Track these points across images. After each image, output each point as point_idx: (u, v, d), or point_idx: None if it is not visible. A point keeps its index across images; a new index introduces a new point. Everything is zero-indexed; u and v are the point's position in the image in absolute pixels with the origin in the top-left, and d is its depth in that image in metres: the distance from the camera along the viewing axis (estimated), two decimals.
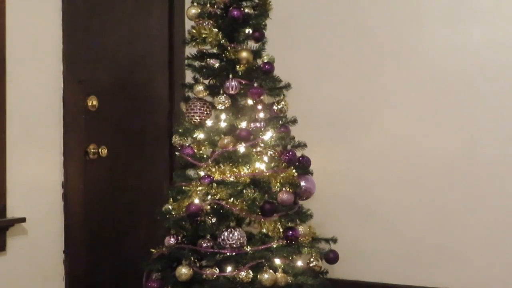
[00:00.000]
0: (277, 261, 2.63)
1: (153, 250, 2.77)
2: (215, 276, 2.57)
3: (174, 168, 3.21)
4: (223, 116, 2.80)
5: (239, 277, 2.56)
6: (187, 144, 2.81)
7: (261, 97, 2.78)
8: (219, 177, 2.65)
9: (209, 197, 2.59)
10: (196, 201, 2.58)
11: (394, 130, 3.49)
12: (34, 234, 2.73)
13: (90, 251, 3.01)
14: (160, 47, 3.58)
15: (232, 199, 2.61)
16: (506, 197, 3.22)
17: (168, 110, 3.58)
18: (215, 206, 2.60)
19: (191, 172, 2.79)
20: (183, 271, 2.58)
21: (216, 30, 2.76)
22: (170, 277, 2.65)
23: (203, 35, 2.74)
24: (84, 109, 2.98)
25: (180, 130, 2.84)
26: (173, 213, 2.68)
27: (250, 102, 2.80)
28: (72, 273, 2.90)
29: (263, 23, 2.85)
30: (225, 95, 2.76)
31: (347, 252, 3.08)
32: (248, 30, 2.83)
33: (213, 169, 2.68)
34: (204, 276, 2.58)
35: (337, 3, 3.64)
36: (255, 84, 2.78)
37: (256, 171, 2.67)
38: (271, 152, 2.74)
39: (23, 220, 2.64)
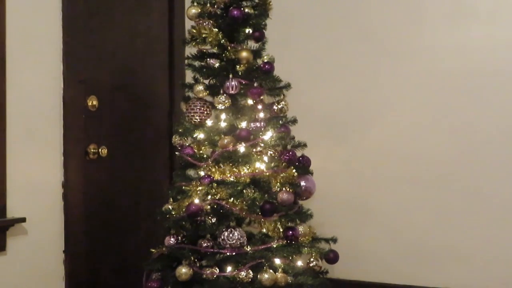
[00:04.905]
0: (277, 261, 2.63)
1: (153, 250, 2.77)
2: (215, 276, 2.57)
3: (174, 168, 3.21)
4: (223, 116, 2.80)
5: (239, 277, 2.56)
6: (187, 144, 2.81)
7: (261, 97, 2.78)
8: (219, 177, 2.64)
9: (209, 197, 2.59)
10: (196, 201, 2.57)
11: (394, 130, 3.49)
12: (34, 234, 2.73)
13: (90, 251, 3.01)
14: (160, 47, 3.58)
15: (232, 199, 2.61)
16: (506, 197, 3.22)
17: (168, 110, 3.58)
18: (215, 206, 2.60)
19: (191, 172, 2.79)
20: (183, 271, 2.58)
21: (216, 30, 2.75)
22: (170, 277, 2.65)
23: (203, 35, 2.74)
24: (84, 109, 2.99)
25: (180, 130, 2.83)
26: (173, 213, 2.67)
27: (250, 102, 2.79)
28: (72, 273, 2.90)
29: (263, 23, 2.85)
30: (225, 95, 2.76)
31: (347, 252, 3.08)
32: (248, 30, 2.83)
33: (213, 169, 2.67)
34: (204, 276, 2.58)
35: (337, 3, 3.64)
36: (255, 84, 2.77)
37: (256, 171, 2.67)
38: (271, 152, 2.74)
39: (23, 220, 2.64)
